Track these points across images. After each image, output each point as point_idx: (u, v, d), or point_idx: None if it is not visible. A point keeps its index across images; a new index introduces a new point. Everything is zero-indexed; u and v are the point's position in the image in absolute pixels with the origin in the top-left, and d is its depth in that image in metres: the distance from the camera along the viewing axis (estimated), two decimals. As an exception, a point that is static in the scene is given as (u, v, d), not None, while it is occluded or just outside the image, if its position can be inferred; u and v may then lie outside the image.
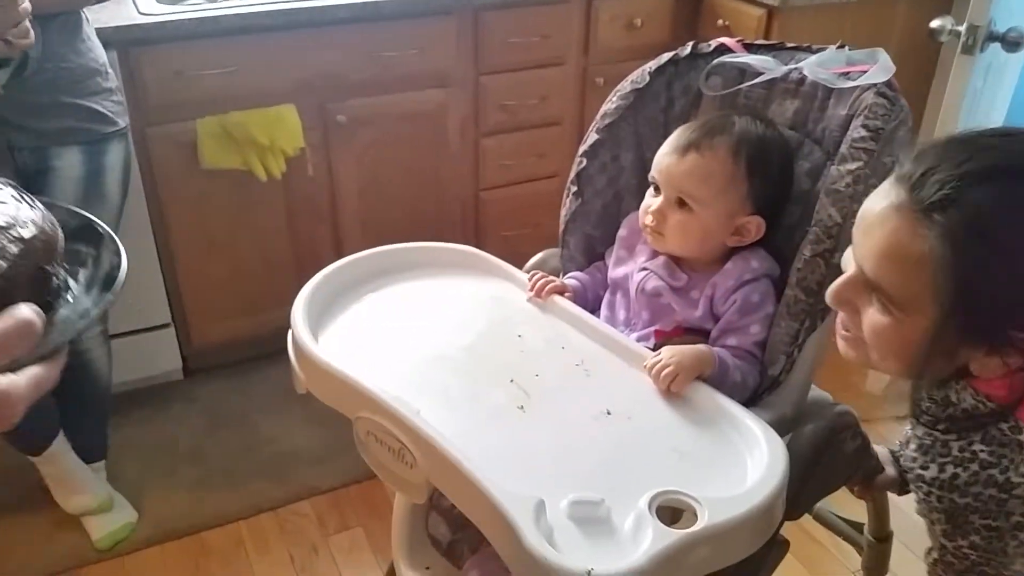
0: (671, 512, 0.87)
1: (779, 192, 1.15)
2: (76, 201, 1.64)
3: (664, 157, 1.14)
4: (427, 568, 1.24)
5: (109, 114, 1.66)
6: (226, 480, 2.09)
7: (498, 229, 2.53)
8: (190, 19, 1.94)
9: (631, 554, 0.81)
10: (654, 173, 1.14)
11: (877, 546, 1.39)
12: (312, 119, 2.14)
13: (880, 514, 1.34)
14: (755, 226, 1.14)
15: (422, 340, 1.13)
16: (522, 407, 1.01)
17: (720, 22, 2.38)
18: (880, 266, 0.79)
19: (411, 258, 1.28)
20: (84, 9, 1.63)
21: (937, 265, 0.75)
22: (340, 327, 1.15)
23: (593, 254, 1.30)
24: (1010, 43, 1.83)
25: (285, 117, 2.09)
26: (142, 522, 1.96)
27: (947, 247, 0.74)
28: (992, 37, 1.83)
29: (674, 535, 0.81)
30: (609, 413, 1.01)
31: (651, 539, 0.81)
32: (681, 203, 1.12)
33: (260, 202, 2.19)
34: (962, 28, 1.84)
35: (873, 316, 0.82)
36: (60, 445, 1.84)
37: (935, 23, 1.88)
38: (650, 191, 1.16)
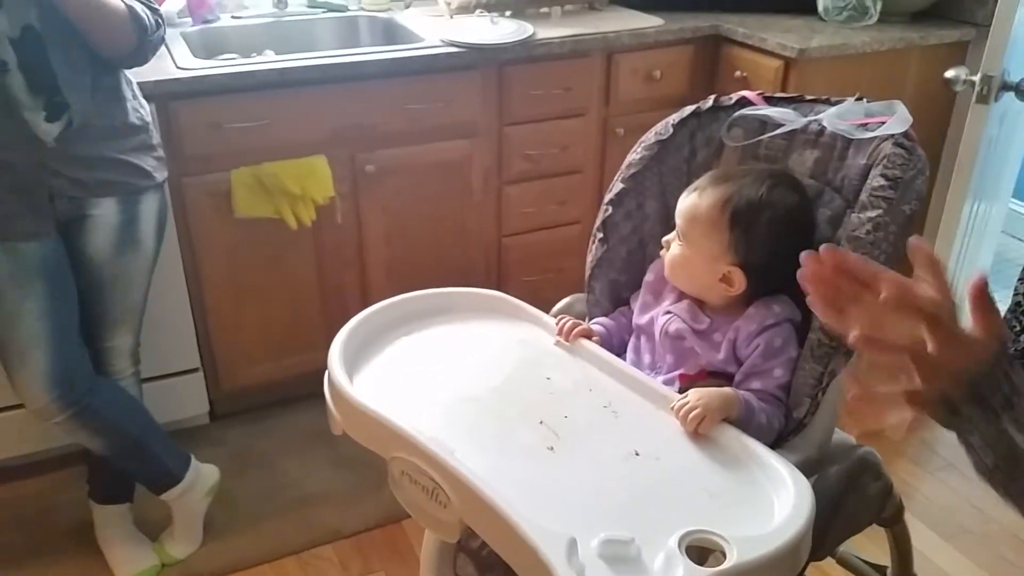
0: (699, 551, 0.89)
1: (766, 252, 1.15)
2: (111, 246, 1.71)
3: (680, 200, 1.19)
4: (456, 610, 1.26)
5: (149, 169, 1.72)
6: (251, 523, 2.11)
7: (520, 274, 2.58)
8: (227, 74, 2.02)
9: (660, 592, 0.83)
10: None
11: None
12: (342, 169, 2.20)
13: (903, 557, 1.34)
14: (737, 278, 1.16)
15: (454, 382, 1.16)
16: (552, 448, 1.04)
17: (738, 73, 2.44)
18: None
19: (441, 303, 1.33)
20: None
21: None
22: (375, 369, 1.19)
23: (618, 299, 1.34)
24: (1022, 92, 1.87)
25: (316, 167, 2.16)
26: (168, 565, 1.98)
27: None
28: (1006, 86, 1.87)
29: (703, 573, 0.83)
30: (637, 454, 1.03)
31: (682, 577, 0.83)
32: (679, 236, 1.18)
33: (290, 250, 2.25)
34: (976, 78, 1.88)
35: None
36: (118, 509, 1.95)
37: (950, 73, 1.93)
38: None
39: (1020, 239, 3.28)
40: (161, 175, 1.77)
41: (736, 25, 2.44)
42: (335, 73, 2.12)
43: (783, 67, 2.31)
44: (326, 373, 1.18)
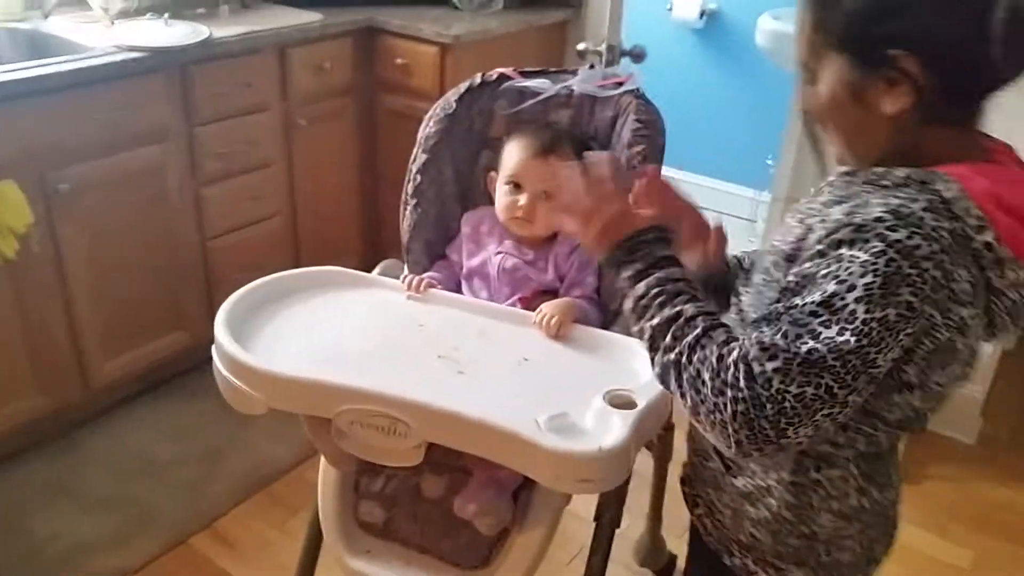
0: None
1: None
2: None
3: (525, 163, 1.44)
4: (368, 552, 1.40)
5: None
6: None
7: (229, 274, 2.58)
8: None
9: (607, 437, 1.10)
10: (516, 178, 1.44)
11: (665, 436, 1.83)
12: (32, 192, 2.02)
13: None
14: None
15: (344, 345, 1.29)
16: (462, 372, 1.25)
17: (399, 60, 2.71)
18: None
19: (291, 284, 1.43)
20: None
21: None
22: (264, 348, 1.26)
23: (432, 256, 1.56)
24: (636, 56, 2.43)
25: (7, 194, 1.96)
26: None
27: None
28: (623, 53, 2.42)
29: (635, 413, 1.13)
30: (526, 359, 1.29)
31: (620, 422, 1.12)
32: (547, 195, 1.43)
33: (-20, 291, 2.02)
34: (602, 48, 2.40)
35: (807, 96, 0.94)
36: None
37: (581, 46, 2.42)
38: (506, 190, 1.45)
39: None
40: None
41: (388, 17, 2.71)
42: (9, 91, 1.95)
43: (440, 53, 2.64)
44: (217, 361, 1.23)
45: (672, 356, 0.91)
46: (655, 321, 0.93)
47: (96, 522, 2.10)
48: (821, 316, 0.81)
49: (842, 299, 0.80)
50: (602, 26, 2.63)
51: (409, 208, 1.53)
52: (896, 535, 1.13)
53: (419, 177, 1.52)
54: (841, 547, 1.04)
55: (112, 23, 2.32)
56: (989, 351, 2.50)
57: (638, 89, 1.50)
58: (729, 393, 0.84)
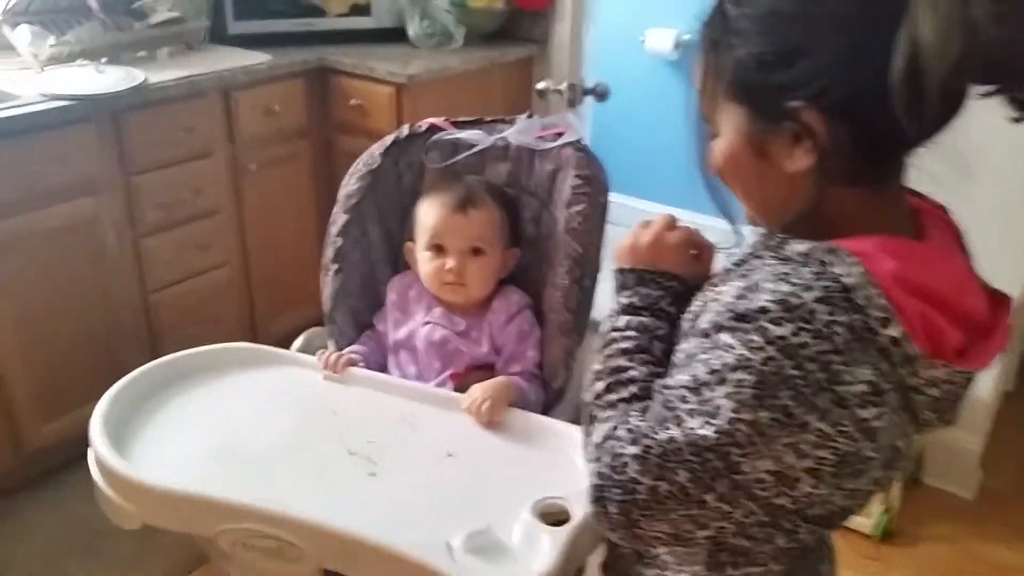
0: (542, 516, 1.02)
1: (517, 229, 1.39)
2: None
3: (446, 221, 1.29)
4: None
5: None
6: None
7: (176, 330, 2.43)
8: None
9: (534, 560, 0.94)
10: (438, 239, 1.29)
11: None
12: (-52, 255, 1.89)
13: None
14: (512, 256, 1.37)
15: (243, 441, 1.14)
16: (373, 473, 1.09)
17: (353, 101, 2.57)
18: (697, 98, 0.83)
19: (190, 364, 1.27)
20: None
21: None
22: (150, 447, 1.10)
23: (360, 325, 1.40)
24: (599, 95, 2.29)
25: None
26: None
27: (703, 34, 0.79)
28: (586, 92, 2.28)
29: (568, 530, 0.97)
30: (450, 455, 1.13)
31: (550, 541, 0.96)
32: (476, 251, 1.28)
33: None
34: (563, 87, 2.26)
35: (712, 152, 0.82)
36: None
37: (541, 85, 2.29)
38: (429, 255, 1.30)
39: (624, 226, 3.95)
40: None
41: (340, 56, 2.57)
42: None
43: (395, 92, 2.50)
44: (94, 467, 1.07)
45: (593, 401, 0.85)
46: (609, 364, 0.86)
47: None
48: (689, 403, 0.73)
49: (711, 390, 0.71)
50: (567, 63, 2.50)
51: (330, 274, 1.38)
52: None
53: (340, 240, 1.37)
54: None
55: (42, 70, 2.18)
56: (987, 397, 2.33)
57: (579, 140, 1.35)
58: (592, 465, 0.80)
